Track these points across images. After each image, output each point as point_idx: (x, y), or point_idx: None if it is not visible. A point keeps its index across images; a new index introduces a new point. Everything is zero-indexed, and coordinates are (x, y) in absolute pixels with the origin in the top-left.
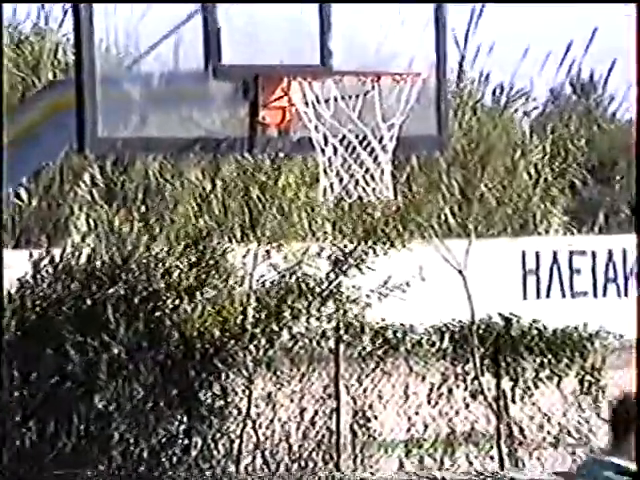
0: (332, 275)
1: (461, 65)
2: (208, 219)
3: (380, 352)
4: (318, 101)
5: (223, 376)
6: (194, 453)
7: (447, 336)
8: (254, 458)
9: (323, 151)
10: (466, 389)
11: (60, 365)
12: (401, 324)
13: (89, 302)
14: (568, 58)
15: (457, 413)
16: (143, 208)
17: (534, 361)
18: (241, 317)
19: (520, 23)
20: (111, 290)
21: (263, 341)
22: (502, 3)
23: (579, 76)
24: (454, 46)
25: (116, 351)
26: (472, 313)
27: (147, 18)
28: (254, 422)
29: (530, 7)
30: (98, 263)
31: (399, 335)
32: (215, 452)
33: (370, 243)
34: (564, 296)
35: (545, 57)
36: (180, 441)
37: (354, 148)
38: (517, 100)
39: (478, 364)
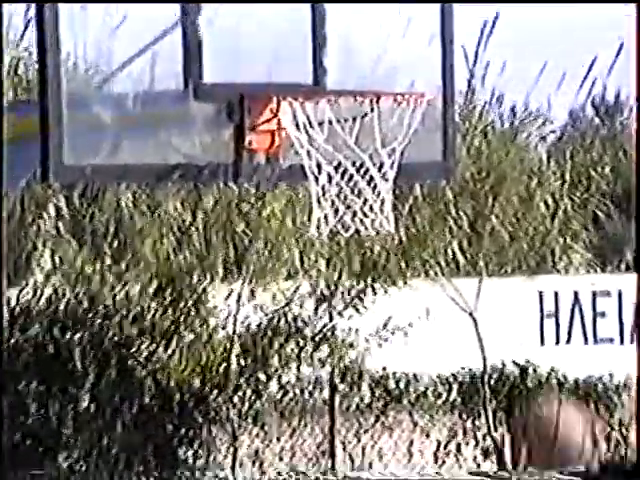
0: (326, 317)
1: (470, 84)
2: (188, 255)
3: (380, 404)
4: (311, 124)
5: (204, 431)
6: None
7: (455, 386)
8: None
9: (316, 179)
10: (477, 446)
11: (19, 420)
12: (404, 373)
13: (52, 349)
14: (590, 76)
15: (468, 474)
16: (115, 243)
17: None
18: (224, 365)
19: (536, 37)
20: (78, 335)
21: (249, 392)
22: (515, 16)
23: (603, 96)
24: (463, 63)
25: (84, 404)
26: (484, 361)
27: (120, 31)
28: None
29: (548, 19)
30: (63, 305)
31: (402, 385)
32: None
33: (369, 281)
34: (587, 342)
35: (563, 74)
36: None
37: (351, 176)
38: (533, 123)
39: (490, 418)
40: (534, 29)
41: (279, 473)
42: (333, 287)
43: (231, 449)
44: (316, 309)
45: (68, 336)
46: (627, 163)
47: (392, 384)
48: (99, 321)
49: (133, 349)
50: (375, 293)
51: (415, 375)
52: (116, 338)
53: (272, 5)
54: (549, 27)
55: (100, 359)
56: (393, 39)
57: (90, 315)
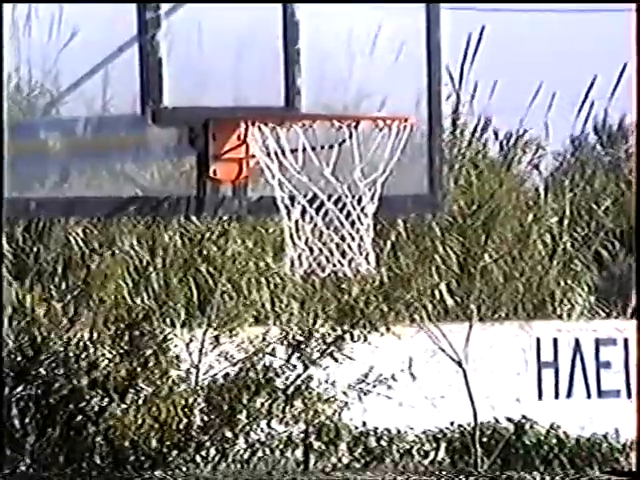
0: (300, 367)
1: (457, 108)
2: (145, 298)
3: (360, 464)
4: (283, 152)
5: None
6: None
7: (444, 444)
8: None
9: (289, 214)
10: None
11: None
12: (386, 429)
13: None
14: (592, 98)
15: None
16: (63, 285)
17: (552, 477)
18: (185, 421)
19: (532, 55)
20: (19, 389)
21: (213, 451)
22: (506, 31)
23: (605, 121)
24: (449, 84)
25: (23, 467)
26: (474, 416)
27: (69, 48)
28: None
29: (544, 35)
30: (4, 354)
31: (384, 443)
32: None
33: (347, 327)
34: (589, 396)
35: (561, 96)
36: None
37: (327, 210)
38: (528, 151)
39: None
40: (528, 45)
41: None
42: (307, 333)
43: None
44: (288, 358)
45: (7, 390)
46: (633, 195)
47: (373, 442)
48: (44, 372)
49: (82, 404)
50: (354, 340)
51: (399, 432)
52: (64, 391)
53: (239, 19)
54: (545, 43)
55: (43, 415)
56: (372, 57)
57: (34, 365)
